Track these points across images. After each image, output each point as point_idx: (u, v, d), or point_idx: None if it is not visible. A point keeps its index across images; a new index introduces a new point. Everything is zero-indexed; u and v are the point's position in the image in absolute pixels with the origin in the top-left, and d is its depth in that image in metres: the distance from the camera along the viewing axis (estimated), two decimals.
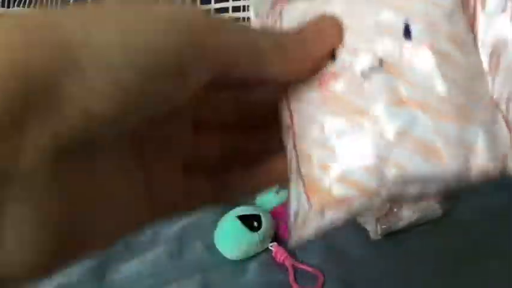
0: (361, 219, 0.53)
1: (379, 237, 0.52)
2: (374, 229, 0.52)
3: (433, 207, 0.54)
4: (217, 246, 0.51)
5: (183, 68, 0.14)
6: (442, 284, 0.47)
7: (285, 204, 0.54)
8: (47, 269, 0.14)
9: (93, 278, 0.49)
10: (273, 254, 0.51)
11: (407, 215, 0.53)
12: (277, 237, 0.54)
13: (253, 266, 0.50)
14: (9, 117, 0.11)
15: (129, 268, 0.50)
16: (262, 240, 0.51)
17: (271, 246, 0.51)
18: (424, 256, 0.51)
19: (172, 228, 0.57)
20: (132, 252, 0.53)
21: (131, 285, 0.48)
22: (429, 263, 0.49)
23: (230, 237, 0.51)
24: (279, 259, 0.50)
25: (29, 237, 0.12)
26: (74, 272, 0.49)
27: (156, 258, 0.51)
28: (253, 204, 0.56)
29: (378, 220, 0.52)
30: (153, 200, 0.17)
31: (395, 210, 0.52)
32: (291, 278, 0.48)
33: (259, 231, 0.50)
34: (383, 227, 0.52)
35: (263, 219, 0.51)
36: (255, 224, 0.50)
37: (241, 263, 0.51)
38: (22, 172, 0.12)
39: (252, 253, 0.51)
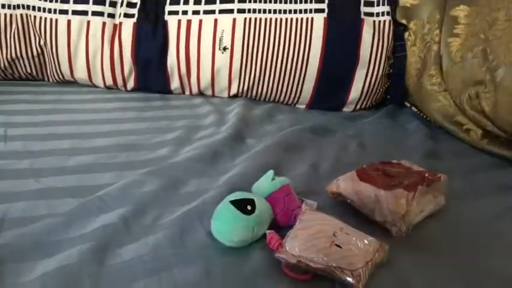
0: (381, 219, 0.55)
1: (404, 234, 0.54)
2: (397, 228, 0.54)
3: (439, 199, 0.59)
4: (214, 234, 0.52)
5: None
6: None
7: (279, 191, 0.55)
8: None
9: (93, 260, 0.48)
10: (267, 240, 0.51)
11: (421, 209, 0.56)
12: (275, 224, 0.53)
13: (255, 253, 0.50)
14: None
15: (129, 252, 0.50)
16: (258, 224, 0.51)
17: (268, 233, 0.51)
18: None
19: (174, 213, 0.57)
20: (133, 235, 0.52)
21: (131, 269, 0.47)
22: None
23: (225, 221, 0.51)
24: (273, 246, 0.50)
25: None
26: (74, 254, 0.49)
27: (157, 243, 0.51)
28: (248, 191, 0.56)
29: (402, 218, 0.54)
30: None
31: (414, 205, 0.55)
32: (283, 264, 0.48)
33: (253, 215, 0.50)
34: (407, 224, 0.55)
35: (256, 203, 0.51)
36: (249, 207, 0.50)
37: (243, 251, 0.50)
38: None
39: (249, 238, 0.51)
